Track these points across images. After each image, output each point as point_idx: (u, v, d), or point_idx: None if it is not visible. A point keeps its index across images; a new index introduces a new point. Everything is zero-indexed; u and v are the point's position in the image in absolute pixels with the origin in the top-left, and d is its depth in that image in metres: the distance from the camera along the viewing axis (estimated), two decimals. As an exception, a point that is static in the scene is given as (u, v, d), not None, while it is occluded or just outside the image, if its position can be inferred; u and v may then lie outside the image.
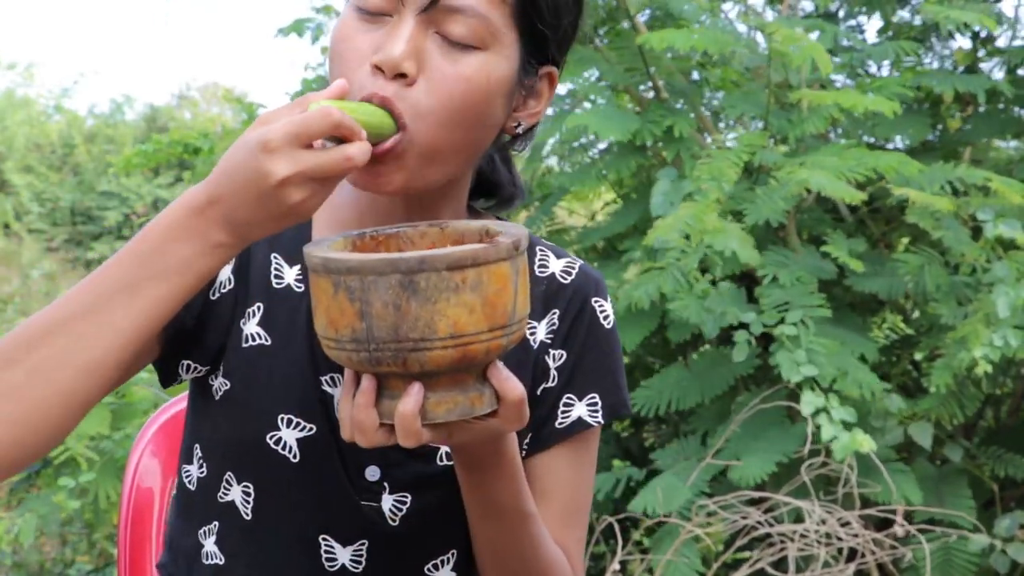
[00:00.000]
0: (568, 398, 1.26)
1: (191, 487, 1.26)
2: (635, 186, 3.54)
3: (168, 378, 1.22)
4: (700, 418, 3.16)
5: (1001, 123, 3.41)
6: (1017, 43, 3.47)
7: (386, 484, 1.21)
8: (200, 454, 1.24)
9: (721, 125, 3.50)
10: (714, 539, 2.83)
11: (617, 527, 2.98)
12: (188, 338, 1.19)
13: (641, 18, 3.31)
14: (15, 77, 14.16)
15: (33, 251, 10.34)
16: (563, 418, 1.26)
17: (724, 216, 2.82)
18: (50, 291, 8.62)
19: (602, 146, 3.46)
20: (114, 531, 3.84)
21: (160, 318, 1.01)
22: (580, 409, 1.26)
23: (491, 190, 1.32)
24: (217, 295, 1.20)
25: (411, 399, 0.99)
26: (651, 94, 3.32)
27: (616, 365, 1.29)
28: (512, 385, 1.02)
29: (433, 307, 0.96)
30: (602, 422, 1.27)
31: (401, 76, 1.08)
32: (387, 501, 1.21)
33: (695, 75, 3.44)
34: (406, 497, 1.21)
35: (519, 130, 1.20)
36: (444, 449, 1.22)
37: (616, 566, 2.90)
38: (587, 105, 3.38)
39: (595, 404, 1.27)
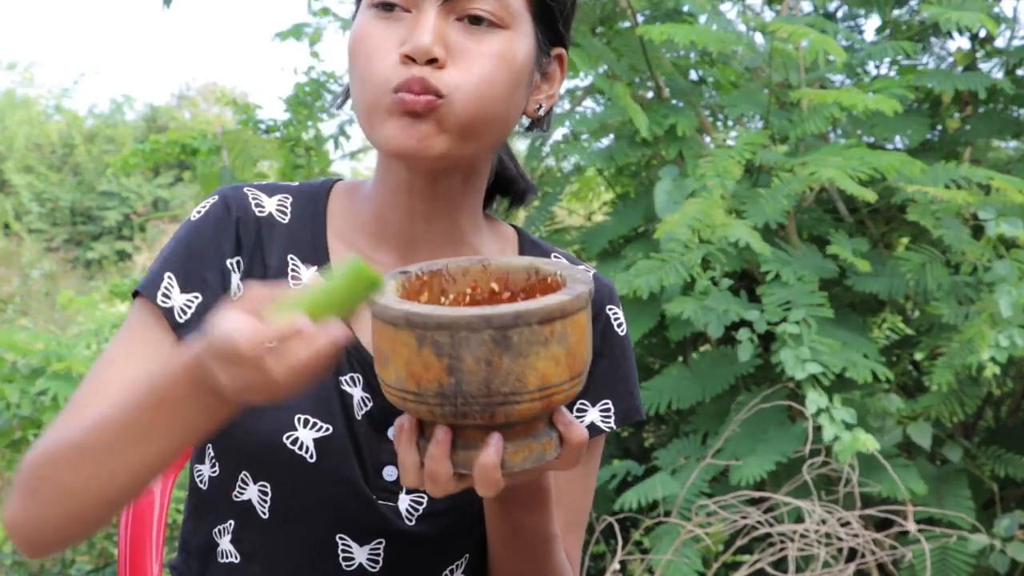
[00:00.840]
0: (582, 403, 1.28)
1: (203, 487, 1.26)
2: (634, 185, 3.54)
3: None
4: (700, 418, 3.16)
5: (1000, 123, 3.41)
6: (1016, 43, 3.47)
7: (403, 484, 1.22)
8: (212, 453, 1.24)
9: (719, 125, 3.50)
10: (714, 539, 2.83)
11: (617, 527, 2.98)
12: None
13: (640, 19, 3.31)
14: (15, 77, 14.16)
15: (33, 251, 10.35)
16: None
17: (728, 214, 2.82)
18: (50, 291, 8.63)
19: (599, 145, 3.46)
20: (114, 531, 3.84)
21: (171, 460, 1.07)
22: (593, 415, 1.28)
23: (505, 187, 1.34)
24: None
25: (492, 451, 0.98)
26: (650, 94, 3.32)
27: (629, 371, 1.31)
28: (577, 430, 1.03)
29: (525, 361, 0.96)
30: (614, 427, 1.29)
31: (432, 61, 1.12)
32: (404, 501, 1.21)
33: (694, 75, 3.43)
34: (422, 497, 1.22)
35: (540, 112, 1.23)
36: None
37: (616, 566, 2.90)
38: (588, 103, 3.38)
39: (608, 410, 1.29)
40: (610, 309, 1.30)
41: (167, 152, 4.09)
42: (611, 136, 3.36)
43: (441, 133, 1.13)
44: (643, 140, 3.09)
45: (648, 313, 3.04)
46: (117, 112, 13.23)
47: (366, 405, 1.21)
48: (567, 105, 3.56)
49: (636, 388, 1.32)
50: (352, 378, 1.21)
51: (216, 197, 1.24)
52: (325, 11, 3.94)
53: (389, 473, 1.21)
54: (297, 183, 1.28)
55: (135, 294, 1.21)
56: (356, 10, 1.21)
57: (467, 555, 1.27)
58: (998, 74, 3.45)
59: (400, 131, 1.13)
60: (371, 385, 1.21)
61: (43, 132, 12.19)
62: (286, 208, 1.25)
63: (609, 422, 1.29)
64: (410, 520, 1.21)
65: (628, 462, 3.17)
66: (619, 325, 1.31)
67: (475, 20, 1.13)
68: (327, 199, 1.27)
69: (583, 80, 3.34)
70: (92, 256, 11.12)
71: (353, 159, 6.55)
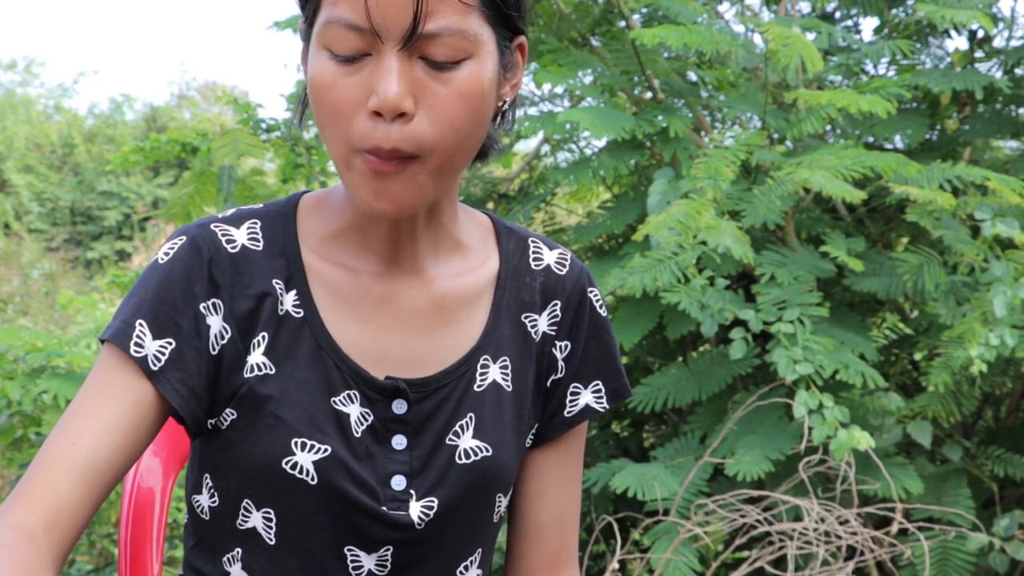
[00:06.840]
0: (575, 387, 1.31)
1: (204, 516, 1.26)
2: (633, 184, 3.54)
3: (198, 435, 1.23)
4: (699, 417, 3.16)
5: (999, 122, 3.41)
6: (1014, 43, 3.47)
7: (412, 492, 1.22)
8: (211, 484, 1.24)
9: (719, 125, 3.50)
10: (713, 538, 2.84)
11: (616, 526, 2.99)
12: (206, 404, 1.20)
13: (637, 21, 3.31)
14: (15, 77, 14.16)
15: (33, 251, 10.34)
16: (571, 407, 1.31)
17: (721, 215, 2.82)
18: (50, 291, 8.63)
19: (598, 144, 3.46)
20: (114, 531, 3.84)
21: None
22: (586, 397, 1.32)
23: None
24: (217, 348, 1.19)
25: None
26: (647, 95, 3.32)
27: (615, 351, 1.34)
28: None
29: None
30: (607, 407, 1.33)
31: (401, 116, 1.08)
32: (415, 508, 1.22)
33: (692, 76, 3.43)
34: (433, 502, 1.22)
35: (505, 107, 1.20)
36: (464, 446, 1.23)
37: (615, 565, 2.90)
38: (583, 105, 3.38)
39: (599, 391, 1.32)
40: (591, 291, 1.32)
41: (167, 151, 4.10)
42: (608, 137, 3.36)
43: (416, 185, 1.11)
44: (639, 142, 3.10)
45: (647, 314, 3.04)
46: (117, 112, 13.21)
47: (366, 420, 1.21)
48: (567, 103, 3.56)
49: (622, 367, 1.34)
50: (348, 396, 1.21)
51: (184, 238, 1.19)
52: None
53: (398, 482, 1.22)
54: (263, 205, 1.25)
55: (103, 341, 1.17)
56: (306, 36, 1.15)
57: (480, 550, 1.28)
58: (997, 74, 3.45)
59: (374, 197, 1.10)
60: (369, 399, 1.21)
61: (43, 132, 12.18)
62: (257, 234, 1.22)
63: (602, 402, 1.32)
64: (420, 525, 1.22)
65: (626, 462, 3.17)
66: (601, 306, 1.33)
67: (438, 59, 1.08)
68: (295, 216, 1.25)
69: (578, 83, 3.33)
70: (92, 256, 11.11)
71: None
